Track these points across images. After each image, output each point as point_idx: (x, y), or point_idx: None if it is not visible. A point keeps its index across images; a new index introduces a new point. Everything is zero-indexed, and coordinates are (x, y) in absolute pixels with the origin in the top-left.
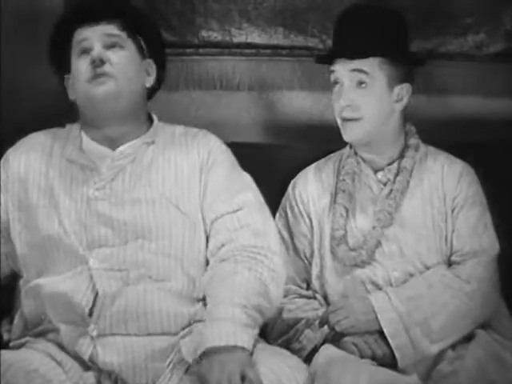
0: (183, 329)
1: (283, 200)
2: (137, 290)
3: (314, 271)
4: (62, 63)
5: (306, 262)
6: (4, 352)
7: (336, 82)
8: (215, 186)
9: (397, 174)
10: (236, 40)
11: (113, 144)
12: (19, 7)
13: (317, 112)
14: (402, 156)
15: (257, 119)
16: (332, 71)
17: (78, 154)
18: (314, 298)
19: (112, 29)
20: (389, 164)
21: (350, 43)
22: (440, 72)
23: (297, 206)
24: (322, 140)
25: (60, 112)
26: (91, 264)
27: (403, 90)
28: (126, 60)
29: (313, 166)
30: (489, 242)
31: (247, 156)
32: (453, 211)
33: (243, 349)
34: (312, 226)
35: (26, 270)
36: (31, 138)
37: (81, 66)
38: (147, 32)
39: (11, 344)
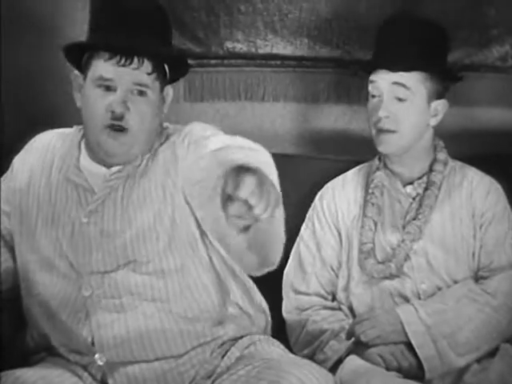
0: (193, 349)
1: (309, 211)
2: (135, 316)
3: (341, 283)
4: (75, 55)
5: (332, 273)
6: (24, 371)
7: (373, 95)
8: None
9: (426, 189)
10: (261, 51)
11: (107, 162)
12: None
13: (342, 123)
14: (431, 170)
15: (281, 130)
16: (371, 81)
17: (74, 171)
18: (340, 309)
19: (142, 75)
20: (418, 178)
21: (395, 55)
22: (465, 84)
23: (324, 217)
24: (347, 152)
25: (63, 116)
26: (83, 291)
27: (439, 106)
28: (148, 108)
29: (340, 177)
30: None
31: None
32: (481, 227)
33: None
34: (340, 238)
35: (24, 285)
36: (37, 141)
37: (97, 103)
38: (176, 63)
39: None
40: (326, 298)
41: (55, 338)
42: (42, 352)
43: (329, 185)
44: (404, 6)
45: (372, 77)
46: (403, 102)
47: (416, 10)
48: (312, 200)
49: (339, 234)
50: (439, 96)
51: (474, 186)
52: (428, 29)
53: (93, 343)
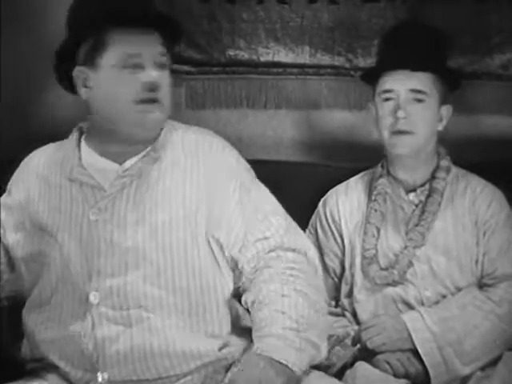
0: (197, 369)
1: (313, 218)
2: (141, 332)
3: (344, 289)
4: (73, 52)
5: (335, 279)
6: None
7: (387, 99)
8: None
9: (428, 195)
10: (263, 59)
11: (119, 158)
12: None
13: (343, 130)
14: (433, 177)
15: (283, 137)
16: (388, 91)
17: (78, 170)
18: (343, 315)
19: (161, 44)
20: (421, 185)
21: (413, 56)
22: (467, 91)
23: (327, 224)
24: (349, 158)
25: (63, 125)
26: (91, 300)
27: (446, 111)
28: (169, 81)
29: (343, 184)
30: None
31: (273, 174)
32: (484, 235)
33: (292, 371)
34: (343, 245)
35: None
36: (32, 158)
37: (125, 82)
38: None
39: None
40: (329, 304)
41: (57, 351)
42: (37, 363)
43: (332, 191)
44: (406, 14)
45: (386, 85)
46: (421, 103)
47: (418, 18)
48: (315, 207)
49: (342, 241)
50: (446, 101)
51: (477, 194)
52: (434, 33)
53: (97, 359)
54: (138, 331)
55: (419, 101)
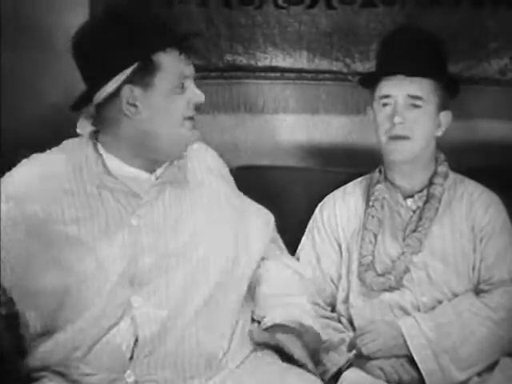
0: (210, 378)
1: (310, 223)
2: (176, 335)
3: (341, 295)
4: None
5: (332, 285)
6: None
7: (385, 103)
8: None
9: (426, 201)
10: (261, 64)
11: (150, 167)
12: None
13: (341, 136)
14: (431, 183)
15: (281, 142)
16: (385, 96)
17: (106, 178)
18: (339, 321)
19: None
20: (419, 191)
21: (408, 60)
22: (464, 96)
23: (324, 229)
24: (347, 163)
25: (60, 122)
26: (133, 303)
27: (445, 117)
28: None
29: (341, 189)
30: None
31: (271, 179)
32: (481, 241)
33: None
34: (340, 251)
35: (40, 315)
36: (43, 165)
37: (177, 101)
38: None
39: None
40: (324, 308)
41: (85, 355)
42: (43, 372)
43: (329, 197)
44: (404, 19)
45: (384, 90)
46: (418, 109)
47: (416, 23)
48: (312, 212)
49: (339, 247)
50: (445, 107)
51: (474, 200)
52: (433, 39)
53: (130, 358)
54: (173, 334)
55: (416, 106)
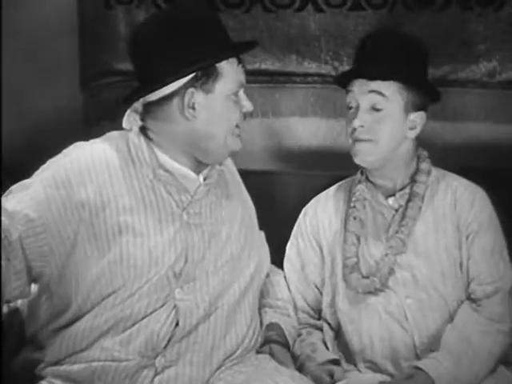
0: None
1: (295, 227)
2: (208, 326)
3: (326, 300)
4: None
5: (316, 290)
6: None
7: (350, 107)
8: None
9: (409, 200)
10: (250, 67)
11: (196, 168)
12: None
13: (330, 139)
14: (413, 181)
15: (270, 146)
16: (349, 91)
17: (161, 172)
18: (321, 329)
19: None
20: (400, 189)
21: (372, 65)
22: (452, 99)
23: (307, 234)
24: (335, 167)
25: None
26: (176, 294)
27: (418, 118)
28: None
29: (324, 192)
30: (505, 269)
31: (259, 183)
32: (467, 238)
33: None
34: (322, 255)
35: (81, 299)
36: (94, 153)
37: (233, 108)
38: None
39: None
40: (312, 316)
41: (121, 341)
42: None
43: (313, 201)
44: (392, 22)
45: (349, 87)
46: (379, 112)
47: (404, 25)
48: (298, 217)
49: (321, 251)
50: (418, 108)
51: (457, 196)
52: (407, 41)
53: (167, 344)
54: (206, 324)
55: (378, 110)
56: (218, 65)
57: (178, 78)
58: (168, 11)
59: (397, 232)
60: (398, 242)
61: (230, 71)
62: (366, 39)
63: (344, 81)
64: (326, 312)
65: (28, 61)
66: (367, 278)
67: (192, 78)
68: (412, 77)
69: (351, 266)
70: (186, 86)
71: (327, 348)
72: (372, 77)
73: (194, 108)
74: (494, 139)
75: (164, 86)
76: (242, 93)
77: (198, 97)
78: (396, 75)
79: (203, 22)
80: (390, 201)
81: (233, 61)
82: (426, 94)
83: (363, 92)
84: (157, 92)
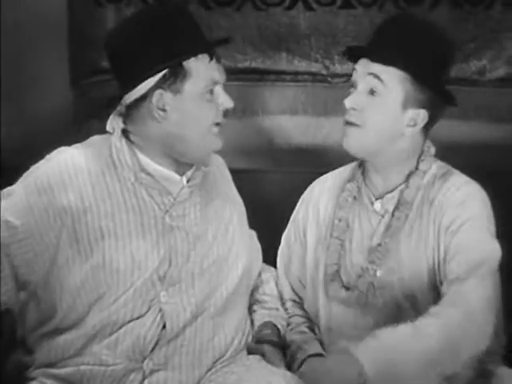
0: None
1: (289, 223)
2: (195, 328)
3: (307, 299)
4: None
5: (300, 283)
6: None
7: (352, 86)
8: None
9: (396, 208)
10: (240, 65)
11: (179, 169)
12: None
13: (320, 137)
14: (406, 181)
15: (260, 144)
16: (354, 69)
17: (143, 175)
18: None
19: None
20: (391, 191)
21: (378, 46)
22: None
23: (298, 230)
24: (326, 165)
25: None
26: (162, 298)
27: (418, 116)
28: None
29: (322, 180)
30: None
31: (250, 182)
32: (447, 238)
33: None
34: (307, 252)
35: (66, 305)
36: (71, 162)
37: (206, 107)
38: None
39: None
40: (299, 303)
41: (108, 345)
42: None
43: (309, 189)
44: (381, 20)
45: (356, 65)
46: (374, 97)
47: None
48: (289, 216)
49: (305, 250)
50: (420, 106)
51: (448, 196)
52: (427, 35)
53: (154, 347)
54: (193, 327)
55: (373, 93)
56: (185, 64)
57: (145, 79)
58: (141, 12)
59: (379, 245)
60: (379, 257)
61: (199, 69)
62: (389, 20)
63: (353, 57)
64: (308, 309)
65: (17, 59)
66: (347, 289)
67: (160, 79)
68: (417, 70)
69: (331, 275)
70: (154, 88)
71: (315, 334)
72: (373, 58)
73: (164, 110)
74: (484, 137)
75: (134, 87)
76: (219, 89)
77: (167, 98)
78: (399, 63)
79: (172, 22)
80: (377, 205)
81: (203, 58)
82: (432, 92)
83: (364, 73)
84: (131, 94)
